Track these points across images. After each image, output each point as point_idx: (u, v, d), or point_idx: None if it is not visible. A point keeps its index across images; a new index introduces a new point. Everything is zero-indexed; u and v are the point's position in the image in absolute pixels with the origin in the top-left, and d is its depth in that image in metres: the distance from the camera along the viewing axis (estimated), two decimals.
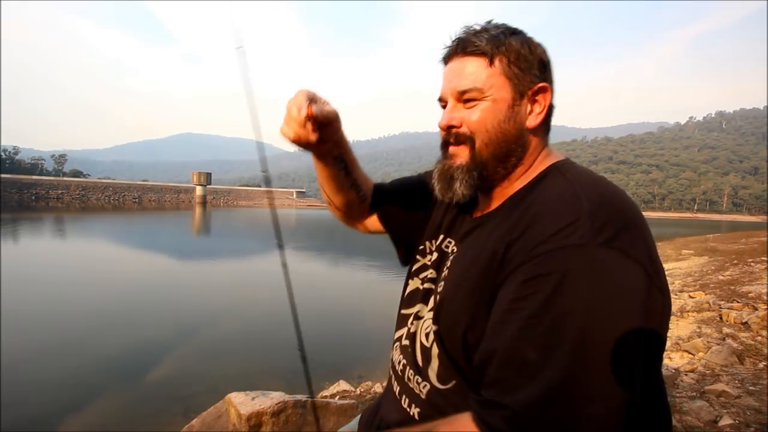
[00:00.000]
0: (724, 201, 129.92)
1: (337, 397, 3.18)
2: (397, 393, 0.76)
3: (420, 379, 0.70)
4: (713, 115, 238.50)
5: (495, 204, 0.68)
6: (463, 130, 0.67)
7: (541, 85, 0.65)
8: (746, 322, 3.95)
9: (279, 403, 2.25)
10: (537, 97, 0.65)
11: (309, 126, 0.67)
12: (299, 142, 0.70)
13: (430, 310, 0.72)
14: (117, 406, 3.38)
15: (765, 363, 2.92)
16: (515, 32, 0.66)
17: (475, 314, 0.59)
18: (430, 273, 0.78)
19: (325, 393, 3.36)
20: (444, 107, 0.70)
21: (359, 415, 0.93)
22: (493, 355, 0.52)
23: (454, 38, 0.68)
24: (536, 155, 0.67)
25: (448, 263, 0.72)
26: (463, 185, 0.67)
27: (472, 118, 0.65)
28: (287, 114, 0.68)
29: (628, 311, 0.48)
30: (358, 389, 3.42)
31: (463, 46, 0.66)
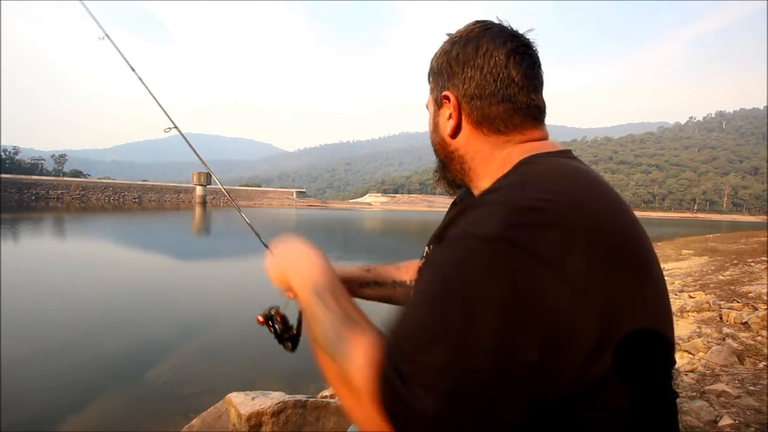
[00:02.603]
0: (724, 201, 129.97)
1: (337, 397, 3.18)
2: None
3: None
4: (713, 115, 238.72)
5: None
6: None
7: (444, 93, 0.66)
8: (746, 322, 3.95)
9: (279, 403, 2.25)
10: (447, 105, 0.67)
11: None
12: None
13: None
14: (117, 406, 3.38)
15: (765, 363, 2.92)
16: (444, 48, 0.68)
17: None
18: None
19: (325, 393, 3.36)
20: None
21: None
22: (398, 322, 0.50)
23: None
24: (492, 155, 0.64)
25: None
26: (435, 182, 0.78)
27: None
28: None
29: (482, 286, 0.44)
30: None
31: None
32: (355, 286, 0.92)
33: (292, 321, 0.82)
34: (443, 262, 0.49)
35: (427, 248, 0.82)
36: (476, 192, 0.69)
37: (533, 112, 0.63)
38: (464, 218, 0.52)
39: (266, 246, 0.85)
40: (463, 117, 0.65)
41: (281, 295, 0.81)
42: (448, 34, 0.69)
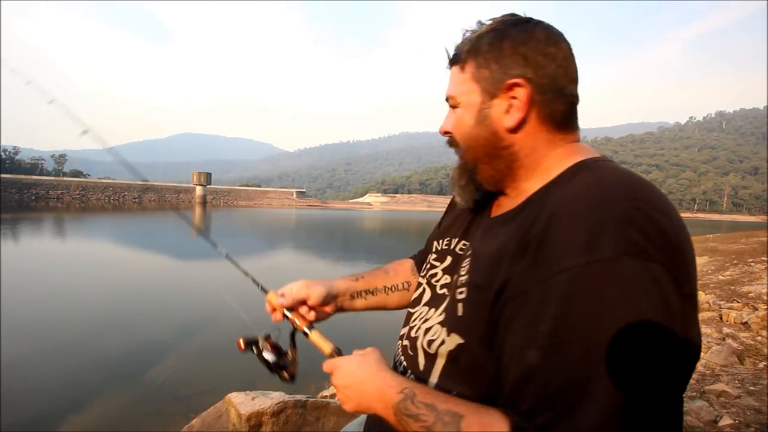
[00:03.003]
0: (724, 201, 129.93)
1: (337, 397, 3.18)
2: None
3: None
4: (713, 115, 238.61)
5: (511, 205, 0.65)
6: (453, 135, 0.69)
7: (511, 81, 0.59)
8: (746, 322, 3.95)
9: (279, 403, 2.25)
10: (512, 95, 0.60)
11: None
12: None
13: (440, 316, 0.68)
14: (117, 406, 3.38)
15: (765, 363, 2.92)
16: (496, 29, 0.62)
17: (491, 319, 0.56)
18: (444, 278, 0.75)
19: (325, 393, 3.36)
20: None
21: (364, 415, 0.89)
22: (523, 383, 0.49)
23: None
24: (547, 153, 0.62)
25: (466, 265, 0.68)
26: (460, 190, 0.70)
27: (451, 124, 0.68)
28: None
29: (661, 328, 0.45)
30: None
31: (450, 57, 0.68)
32: (347, 299, 0.88)
33: (286, 347, 0.77)
34: (569, 300, 0.46)
35: (442, 242, 0.80)
36: (514, 193, 0.65)
37: (577, 113, 0.63)
38: (556, 235, 0.50)
39: (264, 291, 0.85)
40: (531, 110, 0.60)
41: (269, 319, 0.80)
42: (481, 22, 0.64)
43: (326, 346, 0.74)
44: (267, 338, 0.76)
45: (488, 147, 0.63)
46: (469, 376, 0.60)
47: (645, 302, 0.45)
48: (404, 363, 0.72)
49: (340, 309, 0.88)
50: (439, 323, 0.67)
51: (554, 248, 0.49)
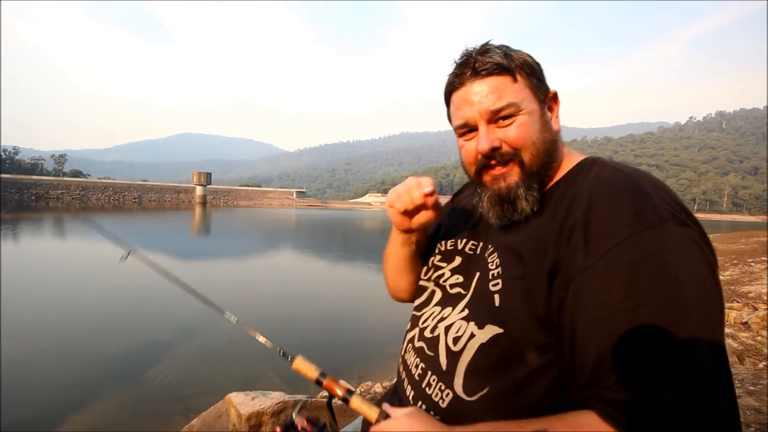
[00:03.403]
0: (724, 201, 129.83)
1: None
2: (411, 398, 0.72)
3: (443, 386, 0.66)
4: (713, 115, 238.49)
5: None
6: (506, 149, 0.66)
7: (554, 91, 0.69)
8: (746, 322, 3.95)
9: (279, 403, 2.25)
10: (552, 104, 0.70)
11: (430, 201, 0.72)
12: (406, 213, 0.74)
13: (461, 312, 0.68)
14: (117, 406, 3.38)
15: (765, 363, 2.92)
16: (509, 47, 0.69)
17: (539, 301, 0.58)
18: (455, 278, 0.75)
19: (326, 393, 3.36)
20: (463, 134, 0.69)
21: (362, 417, 0.90)
22: (610, 353, 0.49)
23: (459, 64, 0.67)
24: (561, 154, 0.71)
25: (493, 260, 0.68)
26: (528, 201, 0.66)
27: (515, 134, 0.65)
28: (405, 189, 0.73)
29: (712, 284, 0.52)
30: (358, 389, 3.42)
31: (478, 69, 0.65)
32: (423, 233, 0.86)
33: (323, 417, 0.73)
34: (635, 264, 0.50)
35: (446, 243, 0.81)
36: (534, 187, 0.67)
37: None
38: (603, 214, 0.56)
39: (289, 358, 0.78)
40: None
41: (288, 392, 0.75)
42: (493, 44, 0.69)
43: (371, 412, 0.68)
44: (300, 411, 0.73)
45: (551, 151, 0.68)
46: (503, 367, 0.60)
47: (695, 259, 0.52)
48: (421, 365, 0.71)
49: (421, 235, 0.84)
50: (462, 319, 0.68)
51: (605, 225, 0.55)
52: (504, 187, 0.67)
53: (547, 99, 0.68)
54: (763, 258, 9.01)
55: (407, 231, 0.80)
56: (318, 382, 0.74)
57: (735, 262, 9.06)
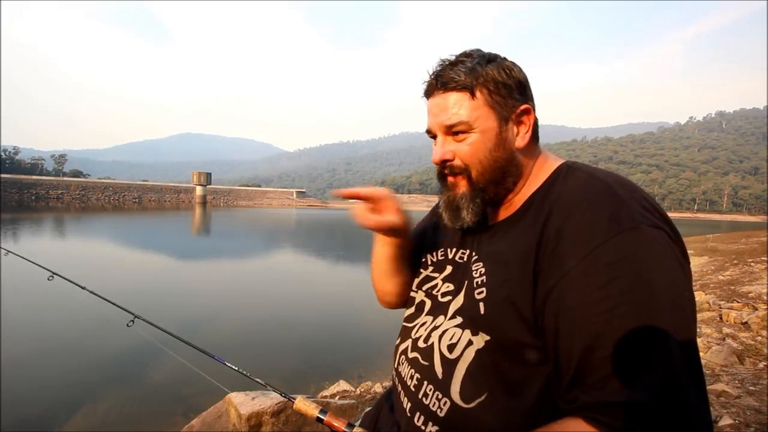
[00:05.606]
0: (724, 201, 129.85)
1: (337, 397, 3.19)
2: (408, 410, 0.71)
3: (440, 395, 0.66)
4: (713, 115, 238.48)
5: (509, 211, 0.71)
6: (457, 162, 0.70)
7: (523, 107, 0.68)
8: (746, 322, 3.94)
9: (279, 403, 2.25)
10: (522, 119, 0.68)
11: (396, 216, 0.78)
12: (385, 224, 0.79)
13: (454, 320, 0.70)
14: (117, 406, 3.38)
15: (765, 363, 2.92)
16: (491, 59, 0.68)
17: (525, 306, 0.59)
18: (446, 286, 0.76)
19: (325, 393, 3.36)
20: (432, 137, 0.73)
21: (362, 415, 0.90)
22: (591, 353, 0.51)
23: (432, 73, 0.70)
24: (533, 163, 0.71)
25: (478, 268, 0.70)
26: (470, 213, 0.70)
27: (464, 151, 0.68)
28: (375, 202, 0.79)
29: (683, 281, 0.54)
30: (358, 389, 3.42)
31: (443, 82, 0.68)
32: (406, 242, 0.88)
33: None
34: (613, 266, 0.53)
35: (437, 253, 0.81)
36: (509, 199, 0.71)
37: None
38: (580, 219, 0.57)
39: (289, 398, 0.83)
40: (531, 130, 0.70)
41: None
42: (481, 52, 0.69)
43: None
44: None
45: (505, 167, 0.68)
46: (497, 373, 0.62)
47: (668, 260, 0.54)
48: (416, 375, 0.72)
49: (397, 237, 0.84)
50: (456, 326, 0.69)
51: (583, 230, 0.56)
52: (452, 195, 0.72)
53: (513, 116, 0.67)
54: (763, 258, 9.02)
55: (382, 233, 0.85)
56: (319, 420, 0.77)
57: (735, 262, 9.06)
